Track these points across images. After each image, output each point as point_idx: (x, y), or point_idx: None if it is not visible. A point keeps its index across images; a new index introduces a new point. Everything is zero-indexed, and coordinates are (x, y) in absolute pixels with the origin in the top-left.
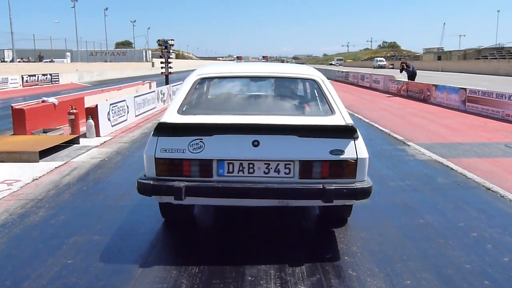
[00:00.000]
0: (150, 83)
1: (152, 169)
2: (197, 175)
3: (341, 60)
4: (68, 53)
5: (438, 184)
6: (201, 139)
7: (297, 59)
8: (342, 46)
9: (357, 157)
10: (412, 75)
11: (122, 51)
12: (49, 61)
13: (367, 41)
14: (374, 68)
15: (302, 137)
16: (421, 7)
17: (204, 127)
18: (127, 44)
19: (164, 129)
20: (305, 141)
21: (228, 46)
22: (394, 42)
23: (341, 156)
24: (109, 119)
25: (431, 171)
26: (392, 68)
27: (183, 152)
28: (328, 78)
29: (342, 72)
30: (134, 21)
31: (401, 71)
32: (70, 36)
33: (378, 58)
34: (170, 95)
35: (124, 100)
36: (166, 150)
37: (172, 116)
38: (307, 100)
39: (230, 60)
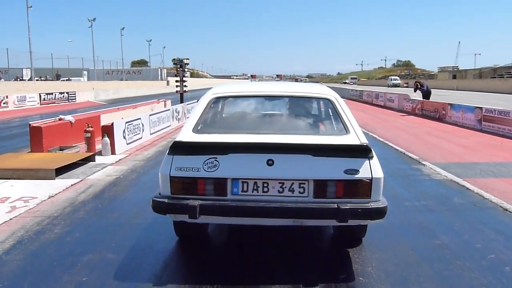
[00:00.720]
0: (165, 101)
1: (167, 187)
2: (212, 193)
3: (355, 78)
4: (85, 72)
5: (454, 205)
6: (216, 158)
7: (311, 78)
8: (356, 64)
9: (372, 177)
10: (426, 94)
11: (138, 70)
12: (66, 80)
13: (381, 59)
14: (389, 86)
15: (316, 156)
16: (435, 26)
17: (219, 146)
18: (142, 62)
19: (179, 148)
20: (319, 160)
21: (242, 65)
22: (409, 60)
23: (356, 176)
24: (124, 137)
25: (447, 191)
26: (407, 86)
27: (197, 171)
28: (342, 97)
29: (356, 90)
30: (150, 40)
31: (415, 90)
32: (87, 55)
33: (393, 77)
34: (184, 113)
35: (140, 118)
36: (181, 169)
37: (187, 135)
38: (321, 119)
39: (244, 79)
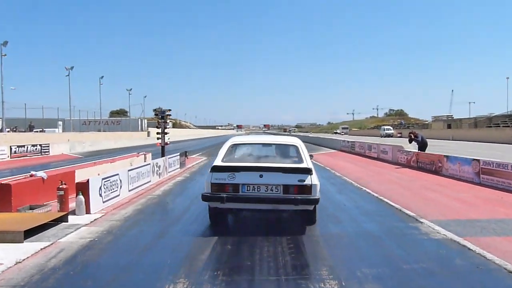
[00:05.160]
0: (145, 154)
1: (209, 188)
2: (231, 191)
3: (347, 128)
4: (60, 123)
5: (456, 267)
6: (234, 174)
7: (300, 128)
8: (347, 113)
9: (311, 183)
10: (422, 146)
11: (117, 120)
12: (40, 131)
13: (373, 108)
14: (382, 136)
15: (284, 173)
16: (428, 74)
17: (235, 167)
18: (122, 112)
19: (215, 169)
20: (286, 175)
21: (228, 114)
22: (401, 109)
23: (304, 183)
24: (100, 195)
25: (447, 251)
26: (400, 136)
27: (224, 180)
28: (333, 149)
29: (348, 141)
30: (130, 89)
31: (410, 142)
32: (63, 105)
33: (385, 127)
34: (166, 167)
35: (117, 174)
36: (216, 179)
37: (219, 163)
38: (290, 155)
39: (230, 129)
